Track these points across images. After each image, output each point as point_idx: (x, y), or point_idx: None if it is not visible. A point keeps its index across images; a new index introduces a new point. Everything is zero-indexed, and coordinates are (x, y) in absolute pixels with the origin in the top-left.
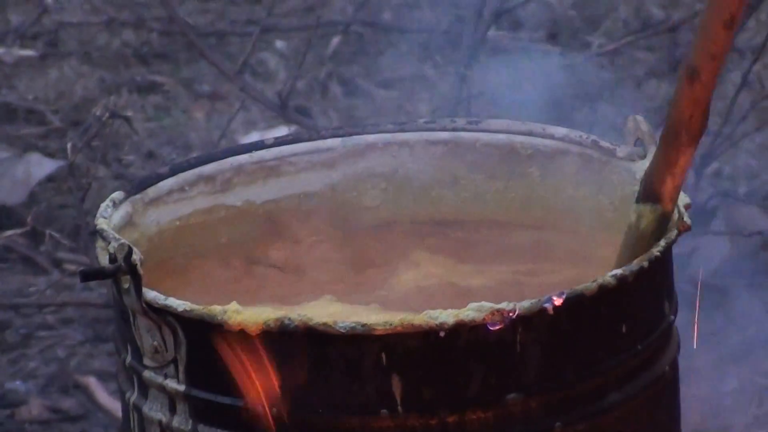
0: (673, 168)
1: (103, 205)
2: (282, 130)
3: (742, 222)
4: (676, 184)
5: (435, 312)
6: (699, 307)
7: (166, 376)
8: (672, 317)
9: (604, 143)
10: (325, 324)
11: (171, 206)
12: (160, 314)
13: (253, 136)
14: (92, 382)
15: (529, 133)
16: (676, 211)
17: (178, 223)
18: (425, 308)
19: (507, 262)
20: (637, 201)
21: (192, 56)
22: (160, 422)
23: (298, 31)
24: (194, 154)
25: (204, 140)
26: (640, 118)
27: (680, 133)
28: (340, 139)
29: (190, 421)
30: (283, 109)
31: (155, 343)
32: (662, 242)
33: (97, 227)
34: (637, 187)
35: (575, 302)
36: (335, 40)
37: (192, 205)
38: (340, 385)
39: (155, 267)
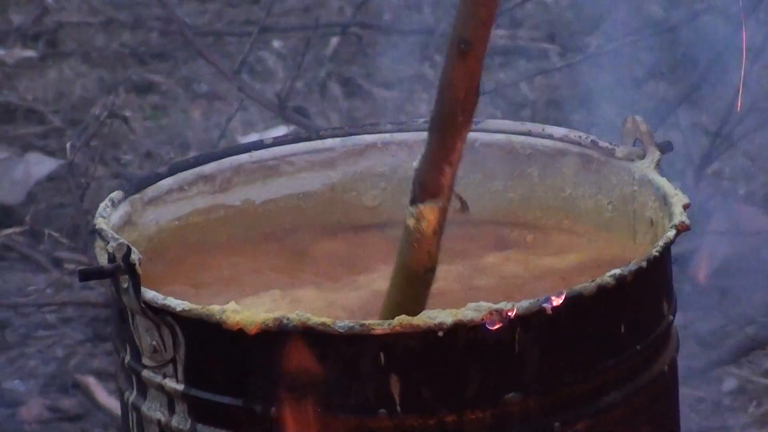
0: (450, 155)
1: (102, 205)
2: (281, 131)
3: (742, 222)
4: (454, 171)
5: (433, 312)
6: None
7: (164, 376)
8: (671, 317)
9: (603, 143)
10: (323, 323)
11: (170, 206)
12: (159, 314)
13: (252, 137)
14: (92, 381)
15: (528, 133)
16: (678, 214)
17: (177, 222)
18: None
19: (505, 262)
20: (413, 202)
21: (190, 56)
22: (158, 422)
23: (296, 32)
24: (193, 154)
25: (202, 140)
26: (638, 118)
27: (456, 114)
28: (339, 139)
29: (189, 421)
30: (281, 109)
31: (154, 342)
32: (661, 242)
33: (96, 227)
34: (636, 188)
35: (574, 302)
36: (334, 41)
37: (191, 204)
38: (339, 384)
39: (154, 266)
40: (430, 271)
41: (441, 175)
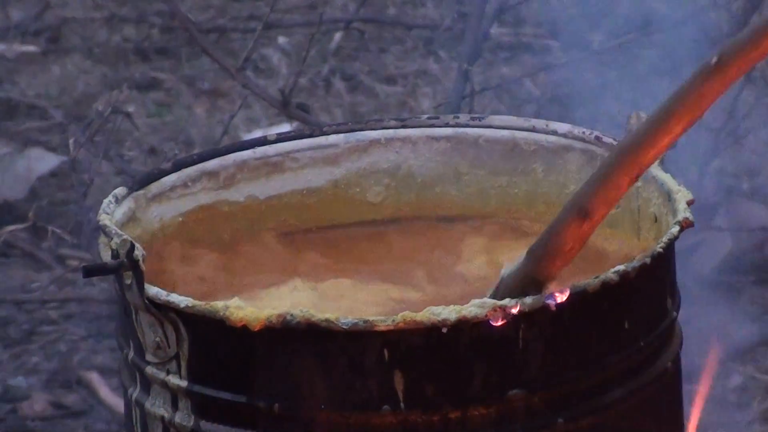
0: (547, 275)
1: (105, 201)
2: (284, 127)
3: (746, 218)
4: (554, 277)
5: (437, 308)
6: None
7: (168, 372)
8: (675, 313)
9: (607, 139)
10: (327, 320)
11: (174, 202)
12: (163, 310)
13: (256, 133)
14: (95, 377)
15: (532, 129)
16: (683, 210)
17: (180, 219)
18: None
19: (511, 259)
20: (494, 296)
21: (194, 52)
22: (162, 418)
23: (300, 27)
24: (196, 150)
25: (206, 136)
26: (643, 114)
27: (555, 258)
28: (343, 135)
29: (193, 417)
30: (285, 105)
31: (157, 339)
32: (664, 238)
33: (100, 223)
34: (640, 184)
35: (578, 298)
36: (338, 36)
37: (195, 200)
38: (343, 381)
39: (158, 263)
40: None
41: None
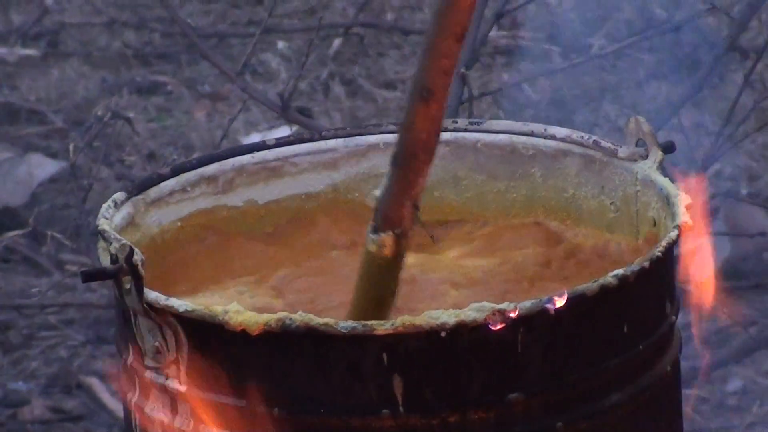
0: (411, 190)
1: (104, 206)
2: (284, 131)
3: (744, 222)
4: (415, 204)
5: (436, 312)
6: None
7: (167, 377)
8: (674, 317)
9: (606, 144)
10: (326, 324)
11: (173, 207)
12: (162, 315)
13: (255, 137)
14: (94, 382)
15: (531, 134)
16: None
17: (179, 223)
18: (429, 308)
19: (508, 263)
20: (375, 231)
21: (193, 57)
22: (161, 422)
23: (299, 32)
24: (196, 155)
25: (205, 141)
26: (641, 118)
27: (417, 154)
28: (342, 139)
29: (192, 422)
30: (284, 110)
31: (156, 343)
32: (663, 242)
33: (99, 228)
34: (639, 188)
35: (577, 302)
36: (337, 41)
37: (194, 205)
38: (342, 385)
39: (157, 267)
40: (392, 294)
41: (402, 207)
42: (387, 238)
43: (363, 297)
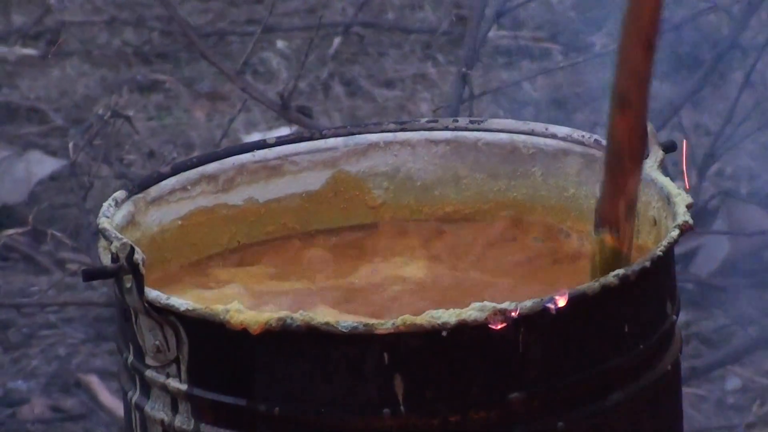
0: (622, 193)
1: (105, 205)
2: (284, 130)
3: (744, 222)
4: (629, 205)
5: (437, 312)
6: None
7: (168, 376)
8: (674, 317)
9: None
10: (327, 323)
11: (173, 205)
12: (162, 313)
13: (255, 136)
14: (94, 380)
15: (532, 133)
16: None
17: (180, 222)
18: (426, 308)
19: (509, 262)
20: (596, 230)
21: (193, 56)
22: (162, 422)
23: (299, 31)
24: (195, 154)
25: (205, 140)
26: None
27: (623, 159)
28: (342, 138)
29: (192, 421)
30: (285, 109)
31: (157, 342)
32: (664, 242)
33: (99, 226)
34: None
35: (578, 302)
36: (337, 40)
37: (194, 204)
38: (343, 384)
39: (157, 266)
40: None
41: (616, 209)
42: (606, 236)
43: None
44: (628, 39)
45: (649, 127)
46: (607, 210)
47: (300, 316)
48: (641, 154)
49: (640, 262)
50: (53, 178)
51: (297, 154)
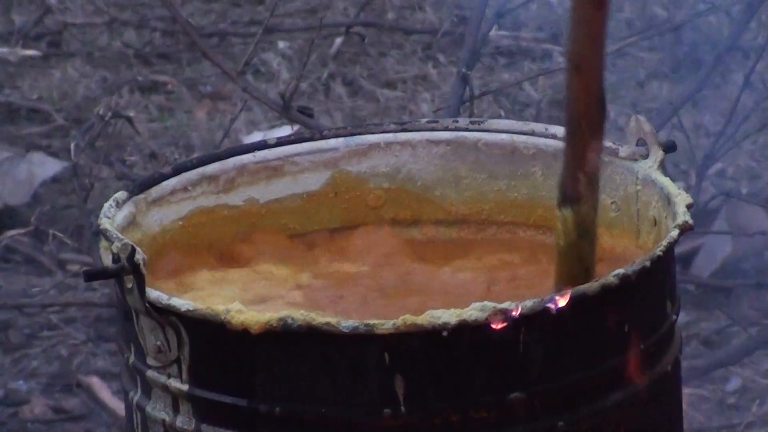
0: (583, 164)
1: (106, 205)
2: (285, 131)
3: (745, 222)
4: (590, 179)
5: (438, 312)
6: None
7: (169, 376)
8: (674, 317)
9: (607, 143)
10: (328, 323)
11: (174, 206)
12: (164, 314)
13: (256, 137)
14: (95, 381)
15: (532, 133)
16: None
17: (181, 222)
18: (429, 308)
19: (509, 262)
20: (559, 206)
21: (194, 57)
22: (163, 422)
23: (300, 32)
24: (197, 154)
25: (206, 140)
26: (642, 118)
27: (581, 126)
28: (342, 138)
29: (194, 421)
30: (286, 109)
31: (158, 342)
32: (664, 242)
33: (101, 227)
34: (639, 187)
35: (578, 302)
36: (338, 41)
37: (195, 204)
38: (343, 384)
39: (158, 266)
40: (583, 274)
41: (577, 182)
42: (567, 212)
43: (558, 272)
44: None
45: (649, 127)
46: (568, 185)
47: (301, 316)
48: (600, 122)
49: (640, 261)
50: (55, 179)
51: (297, 154)
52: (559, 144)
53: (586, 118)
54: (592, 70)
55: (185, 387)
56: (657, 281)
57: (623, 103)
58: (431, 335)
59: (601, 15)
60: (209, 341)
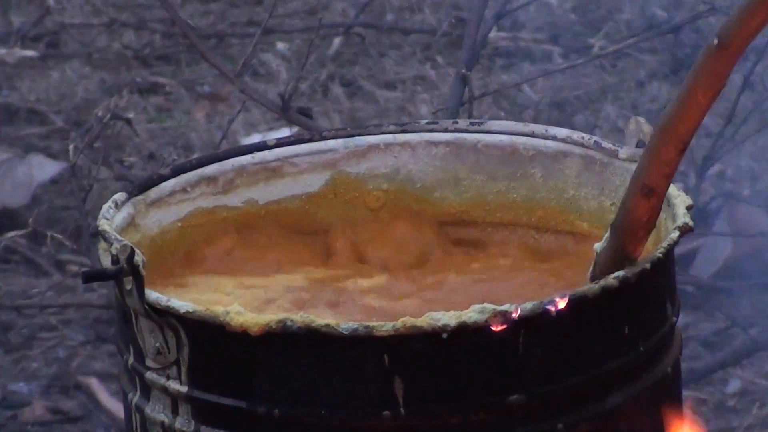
0: (631, 256)
1: (105, 207)
2: (284, 132)
3: (745, 223)
4: (635, 258)
5: (437, 314)
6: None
7: (168, 378)
8: (674, 318)
9: (606, 144)
10: (327, 325)
11: (173, 207)
12: (163, 316)
13: (255, 138)
14: (94, 382)
15: (531, 135)
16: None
17: (180, 224)
18: (426, 310)
19: (509, 264)
20: (591, 279)
21: (193, 58)
22: (162, 423)
23: (299, 33)
24: (195, 155)
25: (205, 141)
26: (641, 119)
27: (637, 231)
28: (341, 140)
29: (193, 423)
30: (285, 110)
31: (157, 344)
32: (664, 243)
33: (99, 228)
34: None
35: (578, 304)
36: (337, 42)
37: (194, 205)
38: (343, 386)
39: (157, 268)
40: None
41: (617, 269)
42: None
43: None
44: (663, 141)
45: (649, 128)
46: (607, 269)
47: (300, 318)
48: (652, 229)
49: (639, 263)
50: (54, 180)
51: (297, 155)
52: (559, 145)
53: (644, 227)
54: (661, 198)
55: (184, 389)
56: (657, 283)
57: (623, 105)
58: (431, 337)
59: (680, 158)
60: (208, 343)
